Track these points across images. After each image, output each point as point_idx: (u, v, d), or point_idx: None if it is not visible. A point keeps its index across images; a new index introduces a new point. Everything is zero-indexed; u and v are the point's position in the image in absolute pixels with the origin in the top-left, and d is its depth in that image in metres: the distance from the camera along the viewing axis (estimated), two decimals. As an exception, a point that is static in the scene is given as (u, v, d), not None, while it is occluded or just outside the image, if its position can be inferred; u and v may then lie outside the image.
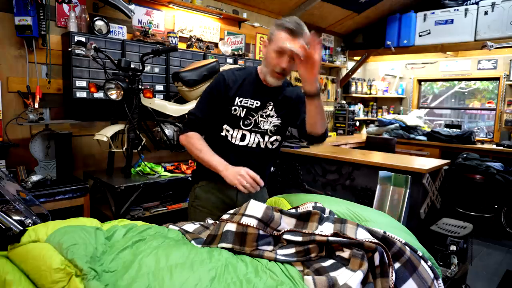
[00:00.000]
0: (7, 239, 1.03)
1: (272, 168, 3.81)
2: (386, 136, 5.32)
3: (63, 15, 2.82)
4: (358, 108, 6.29)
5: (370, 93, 6.38)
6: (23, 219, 1.12)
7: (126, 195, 2.54)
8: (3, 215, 1.06)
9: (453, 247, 2.23)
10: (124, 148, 2.73)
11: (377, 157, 3.45)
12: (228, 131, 1.68)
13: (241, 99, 1.67)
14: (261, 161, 1.75)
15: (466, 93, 6.15)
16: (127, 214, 2.63)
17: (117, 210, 2.53)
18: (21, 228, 1.04)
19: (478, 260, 3.43)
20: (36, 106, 2.59)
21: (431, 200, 3.14)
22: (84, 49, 2.52)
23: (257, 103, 1.68)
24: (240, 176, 1.50)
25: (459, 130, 5.04)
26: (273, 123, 1.71)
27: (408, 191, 2.87)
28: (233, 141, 1.68)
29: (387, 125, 5.60)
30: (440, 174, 3.28)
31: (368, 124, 6.29)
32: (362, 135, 5.87)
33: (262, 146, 1.71)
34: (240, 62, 3.81)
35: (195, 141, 1.66)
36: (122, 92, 2.52)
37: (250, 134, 1.69)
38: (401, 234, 1.30)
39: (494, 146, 4.68)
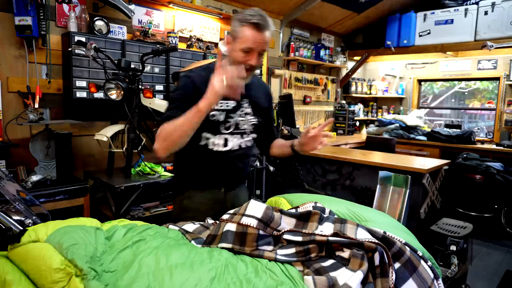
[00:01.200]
0: (7, 239, 1.03)
1: (272, 168, 3.81)
2: (386, 136, 5.32)
3: (63, 15, 2.82)
4: (358, 108, 6.29)
5: (370, 93, 6.38)
6: (23, 219, 1.12)
7: (126, 195, 2.53)
8: (3, 215, 1.06)
9: (453, 247, 2.23)
10: (124, 148, 2.73)
11: (377, 157, 3.45)
12: (208, 138, 1.57)
13: None
14: (244, 161, 1.72)
15: (466, 93, 6.15)
16: (127, 214, 2.63)
17: (117, 210, 2.52)
18: (21, 228, 1.04)
19: (478, 260, 3.43)
20: (36, 106, 2.59)
21: (431, 200, 3.14)
22: (84, 49, 2.52)
23: (233, 103, 1.58)
24: (222, 79, 1.31)
25: (459, 130, 5.04)
26: (251, 122, 1.66)
27: (408, 191, 2.88)
28: (215, 148, 1.58)
29: (387, 125, 5.61)
30: (440, 174, 3.28)
31: (368, 124, 6.29)
32: (362, 135, 5.87)
33: (243, 146, 1.66)
34: (240, 62, 3.81)
35: (166, 128, 1.40)
36: (122, 92, 2.52)
37: (232, 137, 1.61)
38: (401, 234, 1.30)
39: (494, 146, 4.68)
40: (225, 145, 1.60)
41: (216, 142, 1.58)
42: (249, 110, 1.64)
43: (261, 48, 1.47)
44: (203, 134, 1.57)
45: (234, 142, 1.62)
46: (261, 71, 4.09)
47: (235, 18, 1.50)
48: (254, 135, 1.70)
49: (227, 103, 1.57)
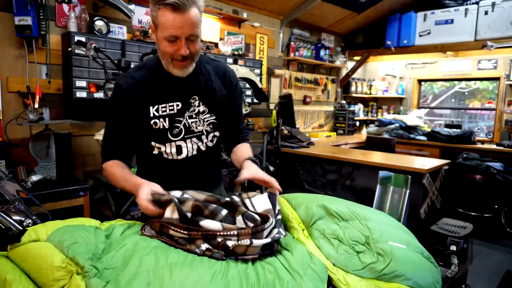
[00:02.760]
0: (7, 239, 1.03)
1: (272, 168, 3.81)
2: (386, 136, 5.32)
3: (63, 15, 2.82)
4: (358, 108, 6.29)
5: (370, 93, 6.38)
6: (23, 219, 1.12)
7: (126, 195, 2.53)
8: (3, 215, 1.06)
9: (453, 247, 2.23)
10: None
11: (377, 157, 3.45)
12: (159, 148, 1.37)
13: (156, 106, 1.33)
14: (209, 163, 1.49)
15: (466, 93, 6.15)
16: (127, 214, 2.62)
17: (117, 210, 2.53)
18: (21, 228, 1.04)
19: (478, 260, 3.43)
20: (36, 106, 2.59)
21: (431, 200, 3.14)
22: (84, 49, 2.52)
23: (177, 105, 1.35)
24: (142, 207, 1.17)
25: (459, 130, 5.04)
26: (208, 120, 1.41)
27: (408, 191, 2.88)
28: (169, 157, 1.38)
29: (387, 125, 5.61)
30: (440, 174, 3.28)
31: (368, 124, 6.29)
32: (362, 135, 5.87)
33: (203, 148, 1.43)
34: (240, 62, 3.81)
35: (108, 171, 1.34)
36: (122, 92, 2.51)
37: (186, 143, 1.38)
38: (400, 234, 1.31)
39: (494, 146, 4.69)
40: (179, 153, 1.38)
41: (168, 151, 1.37)
42: (202, 108, 1.39)
43: (187, 33, 1.20)
44: (152, 143, 1.37)
45: (189, 148, 1.39)
46: (261, 71, 4.09)
47: (151, 0, 1.22)
48: (217, 133, 1.46)
49: (171, 105, 1.34)
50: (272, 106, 4.60)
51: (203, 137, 1.42)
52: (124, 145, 1.37)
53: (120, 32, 3.13)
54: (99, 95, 2.75)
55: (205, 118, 1.40)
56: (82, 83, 2.71)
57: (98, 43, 2.69)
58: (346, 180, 3.41)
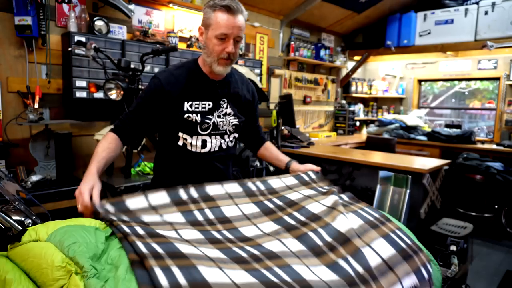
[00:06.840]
0: (7, 239, 1.03)
1: (272, 168, 3.81)
2: (386, 136, 5.32)
3: (63, 15, 2.82)
4: (358, 108, 6.29)
5: (370, 93, 6.38)
6: (22, 219, 1.12)
7: (126, 195, 2.53)
8: (3, 215, 1.06)
9: (453, 247, 2.23)
10: (124, 148, 2.72)
11: (377, 157, 3.45)
12: (185, 139, 1.52)
13: (190, 102, 1.49)
14: (225, 163, 1.64)
15: (466, 93, 6.14)
16: (127, 214, 2.62)
17: (117, 210, 2.52)
18: (21, 228, 1.04)
19: (478, 260, 3.43)
20: (36, 106, 2.59)
21: (431, 200, 3.14)
22: (84, 49, 2.51)
23: (209, 104, 1.52)
24: (77, 194, 1.21)
25: (459, 130, 5.04)
26: (232, 122, 1.59)
27: (408, 191, 2.88)
28: (193, 149, 1.53)
29: (387, 125, 5.61)
30: (441, 174, 3.28)
31: (368, 124, 6.29)
32: (362, 135, 5.87)
33: (224, 147, 1.60)
34: (240, 62, 3.81)
35: (101, 143, 1.47)
36: (122, 92, 2.51)
37: (211, 138, 1.54)
38: (401, 234, 1.30)
39: (494, 146, 4.68)
40: (204, 146, 1.54)
41: (193, 143, 1.52)
42: (229, 110, 1.58)
43: (236, 34, 1.41)
44: (180, 134, 1.51)
45: (213, 143, 1.55)
46: (261, 70, 4.09)
47: (206, 5, 1.44)
48: (236, 135, 1.65)
49: (203, 104, 1.51)
50: (272, 106, 4.60)
51: (226, 136, 1.59)
52: (135, 129, 1.51)
53: (120, 32, 3.13)
54: (99, 95, 2.75)
55: (230, 119, 1.58)
56: (82, 83, 2.71)
57: (98, 43, 2.68)
58: (346, 180, 3.41)
